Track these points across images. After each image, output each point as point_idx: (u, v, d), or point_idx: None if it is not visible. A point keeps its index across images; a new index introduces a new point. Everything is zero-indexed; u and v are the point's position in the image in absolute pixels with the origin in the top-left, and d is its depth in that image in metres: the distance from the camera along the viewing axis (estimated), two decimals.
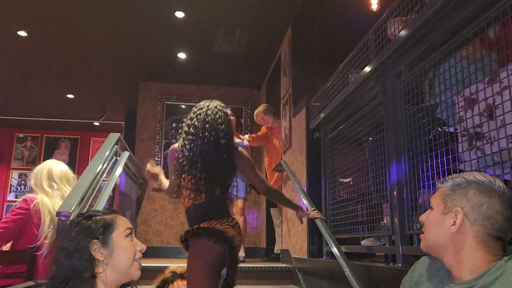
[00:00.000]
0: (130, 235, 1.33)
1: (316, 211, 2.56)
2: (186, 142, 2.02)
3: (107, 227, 1.29)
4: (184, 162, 1.98)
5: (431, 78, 1.86)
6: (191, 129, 2.04)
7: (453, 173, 1.20)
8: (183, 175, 1.98)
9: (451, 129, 1.75)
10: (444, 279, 1.09)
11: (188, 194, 1.98)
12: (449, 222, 1.04)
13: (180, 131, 2.13)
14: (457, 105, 1.66)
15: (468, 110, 1.58)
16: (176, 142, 2.16)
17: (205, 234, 1.88)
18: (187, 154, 1.98)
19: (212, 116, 2.05)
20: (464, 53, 1.63)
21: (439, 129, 1.79)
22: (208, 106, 2.10)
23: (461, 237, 1.02)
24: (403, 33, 1.95)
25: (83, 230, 1.26)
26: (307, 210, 2.65)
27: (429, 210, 1.12)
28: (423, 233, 1.14)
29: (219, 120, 2.05)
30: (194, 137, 2.01)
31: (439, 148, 1.70)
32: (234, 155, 2.06)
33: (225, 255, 1.88)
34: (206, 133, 2.00)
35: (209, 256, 1.86)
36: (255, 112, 4.60)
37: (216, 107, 2.10)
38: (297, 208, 2.38)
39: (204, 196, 1.94)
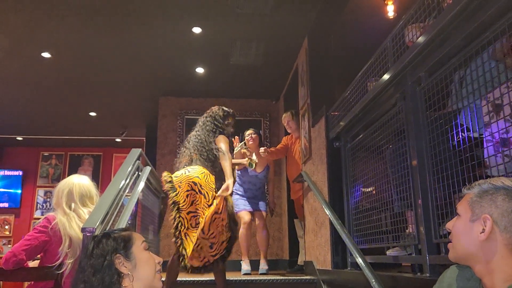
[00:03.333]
0: (147, 248, 1.41)
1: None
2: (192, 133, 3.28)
3: (127, 242, 1.37)
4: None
5: (461, 77, 1.81)
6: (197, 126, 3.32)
7: (479, 179, 1.17)
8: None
9: (475, 135, 1.71)
10: None
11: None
12: (478, 230, 1.01)
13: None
14: (481, 109, 1.63)
15: (494, 115, 1.55)
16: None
17: None
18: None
19: (203, 119, 3.33)
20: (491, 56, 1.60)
21: (463, 135, 1.76)
22: (211, 109, 3.42)
23: (491, 245, 1.00)
24: (421, 39, 1.94)
25: (105, 247, 1.32)
26: None
27: (456, 217, 1.10)
28: (450, 241, 1.11)
29: (208, 119, 3.30)
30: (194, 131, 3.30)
31: (464, 154, 1.66)
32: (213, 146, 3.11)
33: None
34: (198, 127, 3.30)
35: None
36: (284, 115, 4.65)
37: (213, 110, 3.39)
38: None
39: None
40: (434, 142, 1.91)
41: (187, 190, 2.89)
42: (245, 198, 4.35)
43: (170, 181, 2.93)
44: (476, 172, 1.59)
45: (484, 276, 1.02)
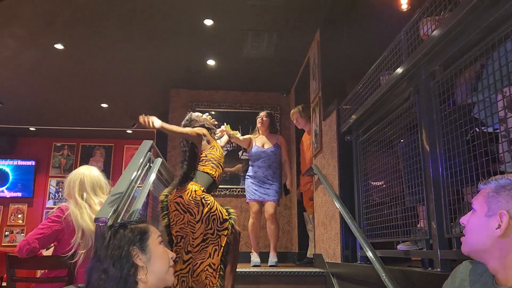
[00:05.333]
0: (162, 242, 1.41)
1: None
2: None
3: (144, 234, 1.37)
4: None
5: (478, 71, 1.78)
6: None
7: (492, 175, 1.15)
8: None
9: (490, 129, 1.69)
10: (488, 284, 1.06)
11: None
12: (494, 225, 1.00)
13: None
14: (497, 104, 1.60)
15: (508, 112, 1.53)
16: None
17: None
18: None
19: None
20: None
21: (477, 130, 1.74)
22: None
23: (507, 241, 0.99)
24: (436, 32, 1.91)
25: (123, 238, 1.33)
26: None
27: (471, 212, 1.09)
28: (464, 236, 1.10)
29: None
30: None
31: (478, 149, 1.65)
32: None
33: None
34: None
35: None
36: (292, 111, 4.66)
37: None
38: None
39: None
40: (447, 136, 1.90)
41: (174, 210, 2.87)
42: (256, 184, 4.33)
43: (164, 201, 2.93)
44: (490, 167, 1.58)
45: (498, 272, 1.01)
